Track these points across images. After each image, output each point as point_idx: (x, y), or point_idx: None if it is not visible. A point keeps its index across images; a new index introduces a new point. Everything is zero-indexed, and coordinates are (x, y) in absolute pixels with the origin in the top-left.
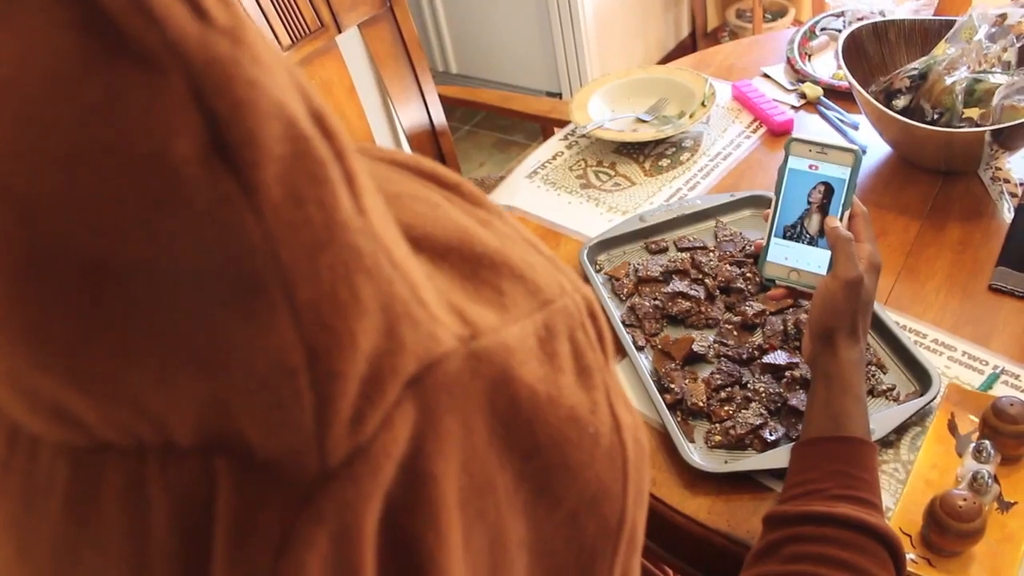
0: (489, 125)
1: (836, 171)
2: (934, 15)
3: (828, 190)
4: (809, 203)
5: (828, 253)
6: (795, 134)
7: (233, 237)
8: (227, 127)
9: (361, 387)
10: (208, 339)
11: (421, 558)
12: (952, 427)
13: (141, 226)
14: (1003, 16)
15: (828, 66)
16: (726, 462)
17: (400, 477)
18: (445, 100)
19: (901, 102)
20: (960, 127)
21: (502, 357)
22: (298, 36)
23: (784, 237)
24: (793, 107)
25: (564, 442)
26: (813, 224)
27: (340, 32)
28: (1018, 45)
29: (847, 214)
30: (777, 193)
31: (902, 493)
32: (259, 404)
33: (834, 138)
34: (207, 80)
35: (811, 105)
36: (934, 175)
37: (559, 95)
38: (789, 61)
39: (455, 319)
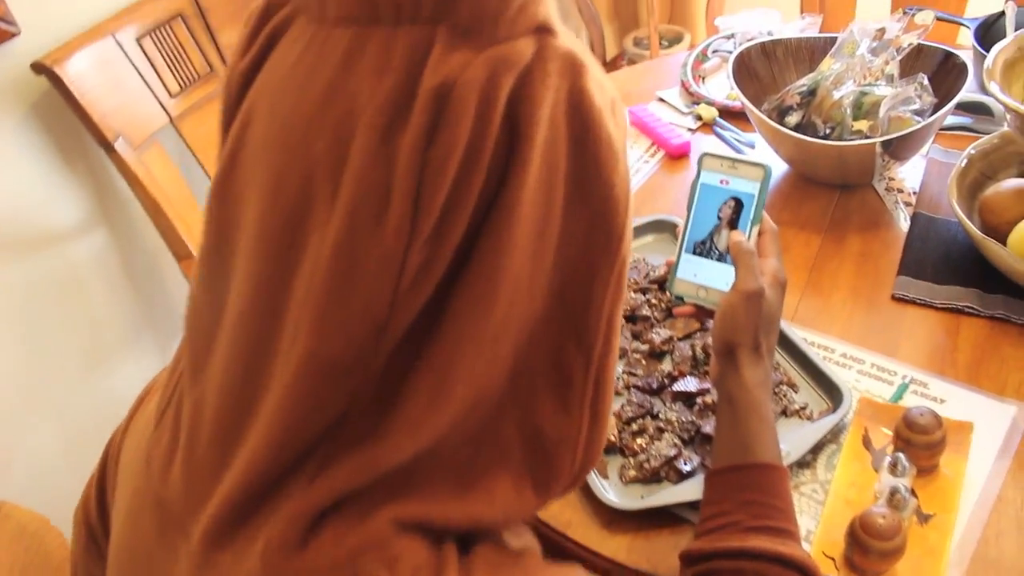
0: None
1: (746, 186)
2: (820, 32)
3: (738, 205)
4: (719, 218)
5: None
6: (708, 150)
7: None
8: None
9: None
10: None
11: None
12: (867, 442)
13: None
14: (882, 30)
15: (722, 87)
16: (642, 497)
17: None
18: None
19: (794, 118)
20: (851, 139)
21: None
22: (187, 82)
23: (694, 253)
24: (690, 129)
25: (602, 142)
26: (722, 240)
27: None
28: (899, 58)
29: (756, 230)
30: (689, 208)
31: (822, 515)
32: None
33: (745, 154)
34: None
35: (707, 127)
36: (831, 189)
37: None
38: (683, 84)
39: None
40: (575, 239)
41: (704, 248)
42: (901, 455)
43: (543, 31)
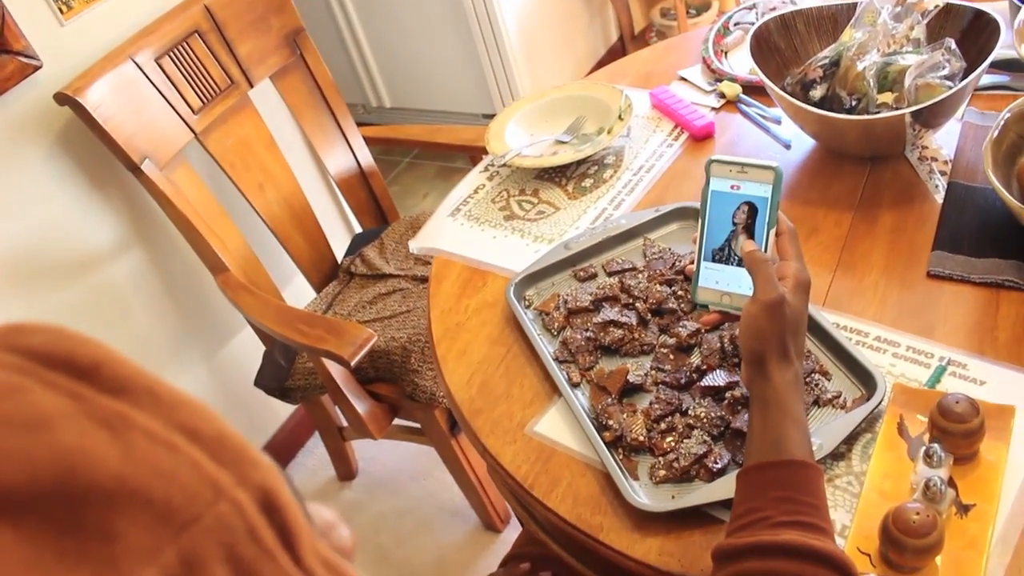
0: (429, 155)
1: (758, 189)
2: None
3: (752, 210)
4: (734, 224)
5: None
6: (714, 155)
7: None
8: None
9: None
10: None
11: None
12: (902, 430)
13: None
14: None
15: (745, 62)
16: (673, 497)
17: None
18: (370, 142)
19: (818, 92)
20: (877, 113)
21: None
22: (209, 97)
23: (713, 260)
24: (713, 108)
25: None
26: (740, 245)
27: (252, 87)
28: (924, 22)
29: (773, 232)
30: (702, 216)
31: (856, 509)
32: None
33: (757, 154)
34: None
35: (731, 104)
36: (861, 163)
37: (494, 116)
38: (705, 61)
39: None
40: None
41: (723, 255)
42: (936, 445)
43: None
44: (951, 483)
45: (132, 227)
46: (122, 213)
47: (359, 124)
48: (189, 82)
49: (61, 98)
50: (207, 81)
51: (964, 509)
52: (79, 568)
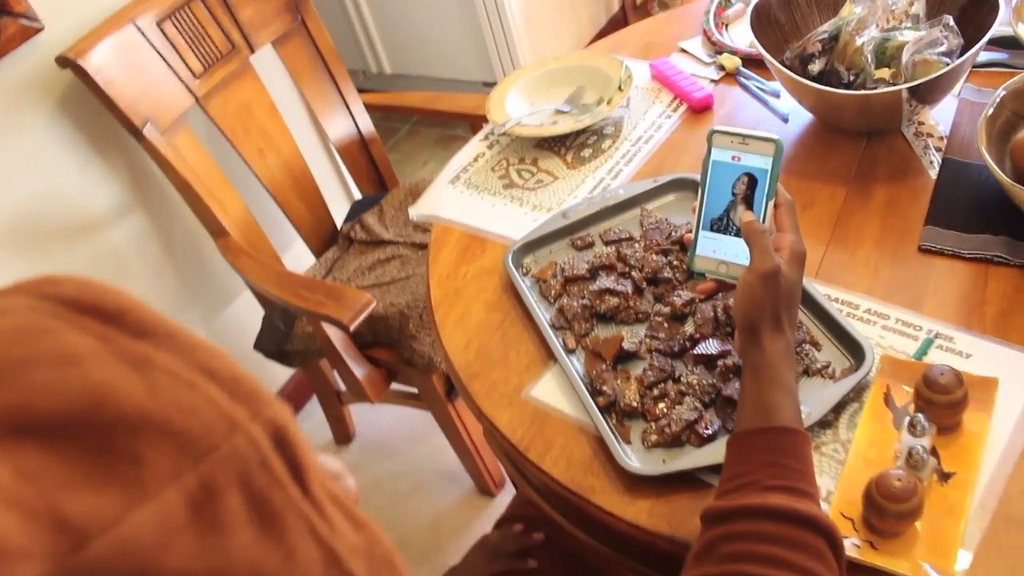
0: (429, 122)
1: (758, 161)
2: None
3: (752, 181)
4: (734, 194)
5: None
6: (717, 125)
7: None
8: None
9: None
10: None
11: None
12: (888, 400)
13: None
14: None
15: (746, 35)
16: (664, 461)
17: None
18: (370, 108)
19: (817, 66)
20: (874, 88)
21: (122, 556)
22: (210, 61)
23: (711, 230)
24: (712, 80)
25: None
26: (738, 216)
27: (253, 52)
28: None
29: (771, 204)
30: (702, 186)
31: (841, 475)
32: None
33: (755, 127)
34: None
35: (731, 76)
36: (858, 137)
37: (494, 84)
38: (705, 33)
39: (50, 533)
40: None
41: (721, 224)
42: (920, 415)
43: None
44: (933, 452)
45: (133, 191)
46: (123, 177)
47: (359, 90)
48: (191, 46)
49: (63, 61)
50: (209, 46)
51: (945, 477)
52: (110, 486)
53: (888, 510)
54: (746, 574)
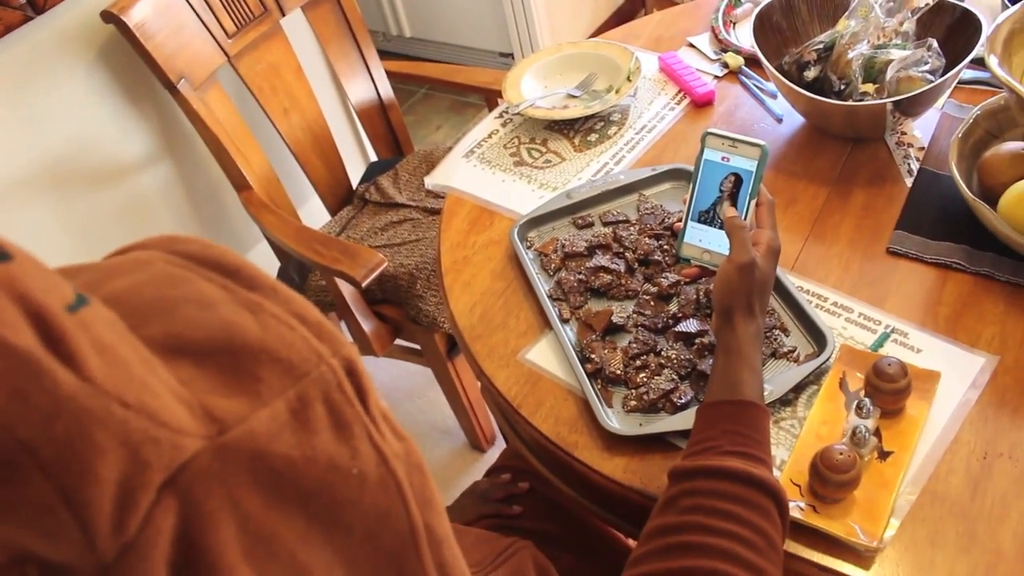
0: (444, 88)
1: (745, 163)
2: None
3: (738, 180)
4: (721, 191)
5: None
6: (711, 127)
7: None
8: None
9: (115, 504)
10: None
11: None
12: (843, 385)
13: None
14: None
15: (751, 35)
16: (640, 424)
17: (179, 550)
18: (392, 75)
19: (812, 73)
20: (860, 100)
21: (250, 441)
22: (243, 22)
23: (699, 221)
24: (716, 77)
25: (331, 487)
26: (723, 211)
27: (284, 15)
28: (914, 18)
29: (754, 202)
30: (694, 181)
31: (794, 447)
32: (36, 534)
33: (752, 124)
34: None
35: (733, 75)
36: (844, 142)
37: (511, 55)
38: (713, 30)
39: (203, 421)
40: (362, 557)
41: (708, 217)
42: (867, 400)
43: None
44: (876, 432)
45: (162, 142)
46: (153, 128)
47: (377, 51)
48: (225, 7)
49: (107, 16)
50: (242, 7)
51: (884, 455)
52: (239, 394)
53: (829, 479)
54: (701, 524)
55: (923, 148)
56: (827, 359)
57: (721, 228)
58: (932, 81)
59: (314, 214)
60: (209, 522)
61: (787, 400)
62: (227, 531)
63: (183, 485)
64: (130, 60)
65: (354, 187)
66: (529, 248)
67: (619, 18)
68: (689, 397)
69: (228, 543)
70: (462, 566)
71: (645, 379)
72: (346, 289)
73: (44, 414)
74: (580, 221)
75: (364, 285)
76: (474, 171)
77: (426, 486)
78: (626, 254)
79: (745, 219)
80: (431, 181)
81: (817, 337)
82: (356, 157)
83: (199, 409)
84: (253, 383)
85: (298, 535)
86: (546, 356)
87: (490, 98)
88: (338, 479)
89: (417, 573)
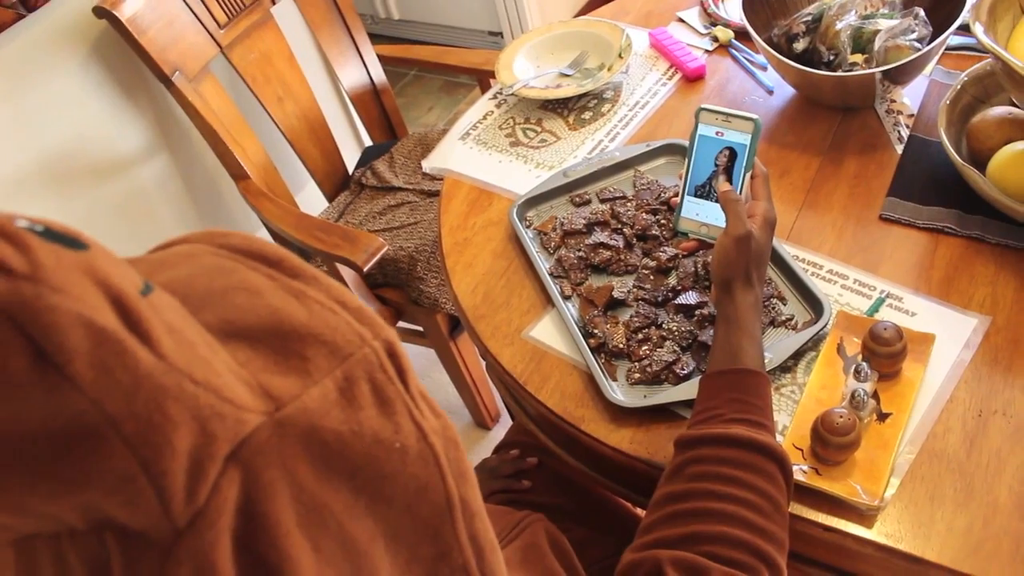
0: (435, 69)
1: (739, 137)
2: None
3: (733, 154)
4: (716, 165)
5: None
6: (704, 103)
7: (65, 408)
8: (42, 343)
9: (187, 473)
10: (71, 470)
11: (271, 569)
12: (841, 350)
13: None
14: None
15: (740, 8)
16: (645, 396)
17: (241, 519)
18: (383, 59)
19: (801, 45)
20: (849, 70)
21: (303, 417)
22: (234, 12)
23: (695, 195)
24: (706, 51)
25: (376, 460)
26: (718, 185)
27: (274, 3)
28: None
29: (749, 175)
30: (689, 156)
31: (795, 412)
32: (117, 501)
33: (743, 97)
34: (20, 316)
35: (723, 48)
36: (834, 112)
37: (500, 34)
38: (702, 4)
39: (261, 399)
40: (402, 527)
41: (704, 191)
42: (865, 363)
43: None
44: (874, 395)
45: (158, 135)
46: (149, 121)
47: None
48: None
49: (99, 11)
50: None
51: (882, 417)
52: (291, 373)
53: (830, 442)
54: (708, 490)
55: (912, 115)
56: (824, 326)
57: (717, 202)
58: (920, 49)
59: (311, 201)
60: (268, 492)
61: (787, 367)
62: (283, 501)
63: (245, 457)
64: (124, 55)
65: (350, 172)
66: (528, 227)
67: None
68: (691, 368)
69: (284, 512)
70: (492, 539)
71: (648, 351)
72: (347, 274)
73: (127, 389)
74: (578, 199)
75: (365, 270)
76: (471, 153)
77: (461, 460)
78: (624, 230)
79: (740, 192)
80: (428, 164)
81: (814, 304)
82: (351, 142)
83: (257, 387)
84: (303, 363)
85: (345, 505)
86: (550, 333)
87: (482, 79)
88: (382, 452)
89: (451, 544)
